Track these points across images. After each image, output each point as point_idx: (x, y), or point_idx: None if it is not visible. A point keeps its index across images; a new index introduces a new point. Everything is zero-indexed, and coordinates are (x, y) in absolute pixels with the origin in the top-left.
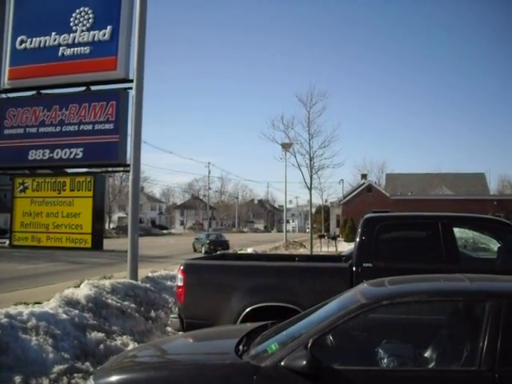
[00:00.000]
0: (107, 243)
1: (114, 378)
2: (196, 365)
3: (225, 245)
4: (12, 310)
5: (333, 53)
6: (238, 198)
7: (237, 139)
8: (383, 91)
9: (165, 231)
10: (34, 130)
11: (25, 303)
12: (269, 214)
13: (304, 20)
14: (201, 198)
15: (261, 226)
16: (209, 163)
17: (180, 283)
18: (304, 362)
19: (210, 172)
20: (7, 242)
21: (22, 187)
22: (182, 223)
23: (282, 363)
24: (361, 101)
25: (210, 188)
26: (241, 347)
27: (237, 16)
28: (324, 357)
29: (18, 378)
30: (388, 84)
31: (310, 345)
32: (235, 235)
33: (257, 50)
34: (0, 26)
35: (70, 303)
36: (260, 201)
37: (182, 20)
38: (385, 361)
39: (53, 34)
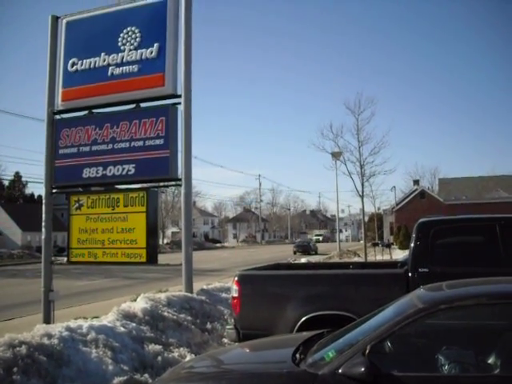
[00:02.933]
0: (162, 258)
1: None
2: (253, 374)
3: (309, 247)
4: (72, 324)
5: (383, 59)
6: (289, 209)
7: (286, 150)
8: (433, 95)
9: (218, 245)
10: (87, 148)
11: (84, 318)
12: (321, 224)
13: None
14: (253, 210)
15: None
16: (259, 176)
17: (235, 294)
18: (362, 369)
19: (260, 184)
20: (65, 259)
21: (77, 205)
22: (234, 236)
23: (340, 370)
24: (410, 105)
25: (261, 200)
26: (298, 356)
27: (282, 24)
28: (382, 363)
29: None
30: (439, 87)
31: (367, 351)
32: (288, 246)
33: (305, 60)
34: (53, 50)
35: (128, 316)
36: (312, 211)
37: (228, 28)
38: (446, 367)
39: (102, 54)
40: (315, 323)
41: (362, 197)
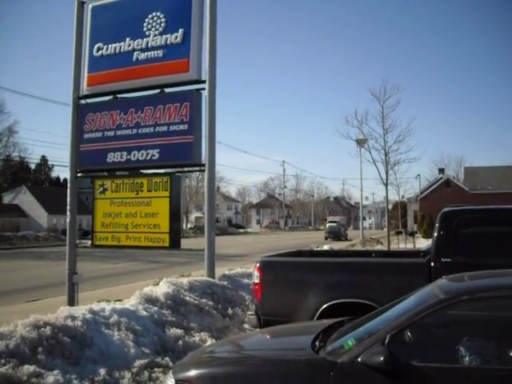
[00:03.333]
0: (185, 243)
1: (192, 373)
2: (273, 360)
3: (340, 233)
4: (95, 307)
5: (409, 45)
6: (313, 195)
7: (311, 137)
8: (460, 83)
9: (241, 230)
10: (111, 133)
11: (107, 300)
12: (345, 212)
13: (376, 13)
14: (276, 196)
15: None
16: (283, 162)
17: (256, 280)
18: (381, 358)
19: (284, 170)
20: (89, 242)
21: (101, 189)
22: (258, 222)
23: (359, 359)
24: (437, 93)
25: (285, 186)
26: (317, 343)
27: (306, 12)
28: (401, 353)
29: (102, 371)
30: (466, 76)
31: (387, 341)
32: (311, 233)
33: (331, 44)
34: (78, 35)
35: (150, 300)
36: (336, 198)
37: (253, 18)
38: (467, 359)
39: (127, 39)
40: (336, 311)
41: (386, 185)
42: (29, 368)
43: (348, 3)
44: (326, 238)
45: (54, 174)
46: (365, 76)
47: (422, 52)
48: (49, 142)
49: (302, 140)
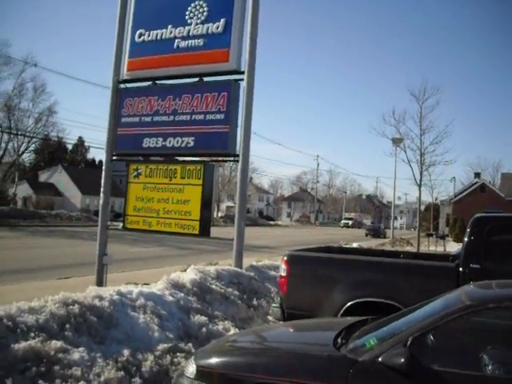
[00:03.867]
0: (215, 231)
1: (214, 360)
2: (294, 354)
3: (379, 232)
4: (123, 288)
5: (449, 47)
6: (345, 192)
7: (346, 133)
8: (502, 88)
9: (271, 222)
10: (148, 118)
11: (134, 283)
12: (376, 210)
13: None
14: (308, 190)
15: (368, 222)
16: (317, 156)
17: (283, 273)
18: (402, 360)
19: (318, 165)
20: (121, 225)
21: (136, 173)
22: (288, 215)
23: (380, 359)
24: (476, 96)
25: (318, 181)
26: (339, 340)
27: (345, 11)
28: (423, 356)
29: (126, 352)
30: (508, 80)
31: (409, 343)
32: (342, 229)
33: (369, 43)
34: (121, 21)
35: (176, 286)
36: (368, 196)
37: (294, 11)
38: (489, 367)
39: (169, 26)
40: (361, 309)
41: (419, 186)
42: (56, 343)
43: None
44: (367, 235)
45: (89, 156)
46: (404, 75)
47: (464, 53)
48: (86, 123)
49: (337, 135)
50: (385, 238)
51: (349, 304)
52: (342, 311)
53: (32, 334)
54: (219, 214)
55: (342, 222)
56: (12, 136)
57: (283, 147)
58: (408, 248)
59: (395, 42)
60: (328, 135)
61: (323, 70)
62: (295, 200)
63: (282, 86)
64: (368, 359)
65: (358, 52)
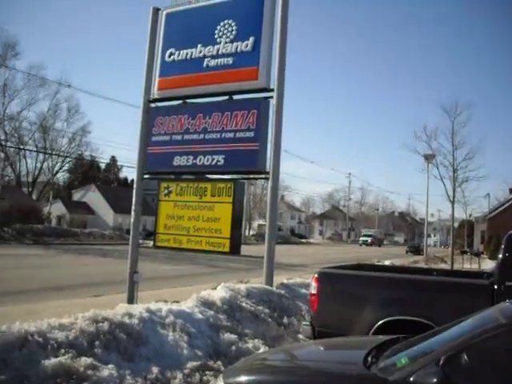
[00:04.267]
0: (247, 249)
1: (242, 378)
2: (324, 373)
3: (419, 249)
4: (152, 306)
5: (479, 61)
6: (378, 209)
7: (378, 150)
8: None
9: (303, 240)
10: (179, 137)
11: (164, 301)
12: (409, 227)
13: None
14: (340, 208)
15: (401, 239)
16: (349, 174)
17: (313, 291)
18: (434, 380)
19: (350, 182)
20: (151, 243)
21: (166, 191)
22: (320, 233)
23: (411, 378)
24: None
25: (350, 198)
26: (369, 359)
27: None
28: (456, 376)
29: (155, 369)
30: None
31: (442, 362)
32: (374, 248)
33: (405, 57)
34: (152, 41)
35: (206, 304)
36: (401, 213)
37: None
38: None
39: (199, 46)
40: (392, 328)
41: (452, 202)
42: (86, 360)
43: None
44: (407, 252)
45: (122, 175)
46: (434, 90)
47: (497, 65)
48: (119, 143)
49: (369, 152)
50: (420, 254)
51: (380, 322)
52: (373, 330)
53: (62, 351)
54: (251, 233)
55: (361, 239)
56: (47, 156)
57: (316, 165)
58: (442, 265)
59: (425, 57)
60: (360, 152)
61: (352, 85)
62: (327, 218)
63: (312, 101)
64: (399, 379)
65: (388, 65)
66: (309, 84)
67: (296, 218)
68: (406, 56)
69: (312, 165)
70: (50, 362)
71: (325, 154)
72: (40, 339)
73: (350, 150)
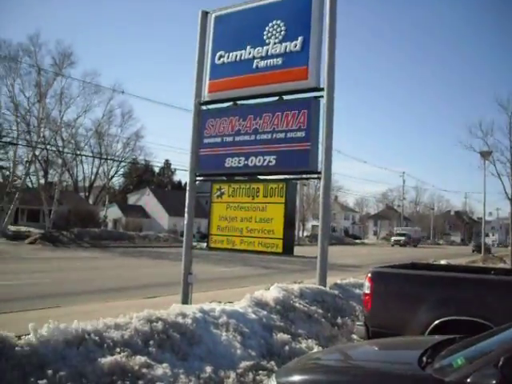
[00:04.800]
0: (300, 250)
1: (295, 378)
2: (377, 373)
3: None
4: (206, 306)
5: None
6: (433, 208)
7: (432, 147)
8: None
9: (357, 241)
10: (230, 138)
11: (218, 302)
12: (466, 227)
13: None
14: (395, 208)
15: (457, 239)
16: (403, 173)
17: (367, 291)
18: (493, 382)
19: (404, 182)
20: (205, 244)
21: (219, 193)
22: (375, 233)
23: (468, 380)
24: None
25: (404, 198)
26: (424, 359)
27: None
28: None
29: (208, 369)
30: None
31: (501, 363)
32: (430, 247)
33: (454, 53)
34: (201, 44)
35: (259, 304)
36: (457, 212)
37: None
38: None
39: (248, 47)
40: (448, 328)
41: (511, 200)
42: (140, 359)
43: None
44: (473, 251)
45: (176, 178)
46: (490, 86)
47: None
48: (172, 146)
49: (422, 150)
50: (489, 253)
51: (436, 322)
52: (429, 330)
53: (118, 349)
54: (305, 234)
55: (393, 238)
56: (102, 161)
57: (369, 165)
58: (500, 265)
59: (480, 51)
60: (413, 150)
61: (405, 82)
62: (381, 218)
63: (364, 101)
64: (455, 380)
65: (442, 61)
66: (362, 84)
67: (350, 218)
68: (460, 51)
69: (365, 165)
70: (106, 360)
71: (378, 154)
72: (96, 338)
73: (403, 149)
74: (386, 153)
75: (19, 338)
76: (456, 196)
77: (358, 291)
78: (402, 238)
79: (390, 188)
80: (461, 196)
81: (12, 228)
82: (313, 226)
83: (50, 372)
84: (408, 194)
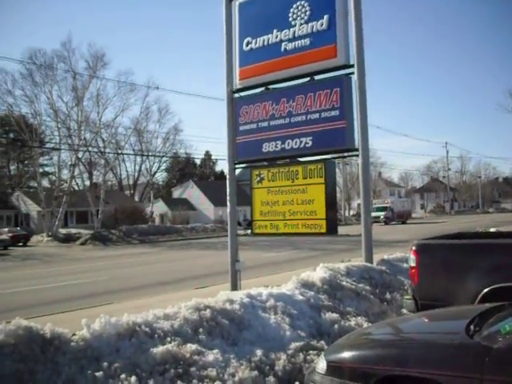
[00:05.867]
0: (347, 229)
1: (343, 354)
2: (424, 344)
3: None
4: (253, 291)
5: None
6: (480, 177)
7: (473, 115)
8: None
9: None
10: (265, 123)
11: (265, 286)
12: None
13: None
14: (440, 179)
15: (508, 206)
16: (446, 143)
17: (413, 264)
18: None
19: (448, 152)
20: (249, 231)
21: (258, 178)
22: (422, 207)
23: None
24: None
25: (449, 169)
26: (472, 327)
27: None
28: None
29: (258, 352)
30: None
31: None
32: (480, 216)
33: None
34: (228, 32)
35: (306, 285)
36: (505, 179)
37: None
38: None
39: (274, 31)
40: (498, 295)
41: None
42: (191, 346)
43: None
44: None
45: (218, 168)
46: None
47: None
48: (211, 137)
49: (464, 118)
50: None
51: (485, 291)
52: (478, 298)
53: (168, 339)
54: (350, 212)
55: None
56: (144, 158)
57: (410, 138)
58: None
59: None
60: (454, 119)
61: (441, 49)
62: (427, 191)
63: (400, 74)
64: (504, 346)
65: (479, 28)
66: (396, 57)
67: (395, 193)
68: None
69: (407, 139)
70: (158, 349)
71: (418, 127)
72: (147, 329)
73: (443, 120)
74: (427, 125)
75: (74, 334)
76: (503, 162)
77: (405, 265)
78: (382, 213)
79: (433, 160)
80: (508, 162)
81: (63, 231)
82: (358, 205)
83: (105, 364)
84: (452, 164)
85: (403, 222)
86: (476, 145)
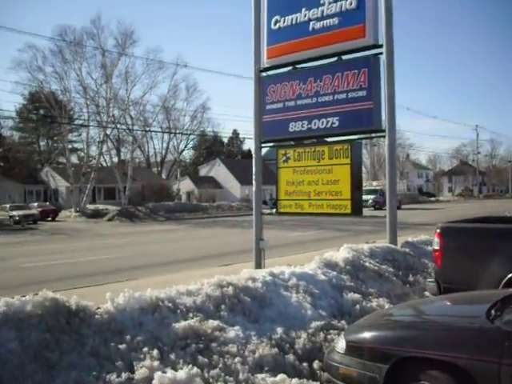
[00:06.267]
0: (373, 211)
1: (362, 335)
2: (444, 326)
3: None
4: (275, 270)
5: None
6: (510, 161)
7: (505, 97)
8: None
9: (432, 198)
10: (292, 103)
11: (288, 265)
12: None
13: None
14: (469, 163)
15: None
16: (477, 126)
17: (436, 247)
18: None
19: (478, 135)
20: (274, 210)
21: (284, 158)
22: (450, 190)
23: None
24: None
25: (478, 152)
26: (493, 312)
27: None
28: None
29: (279, 330)
30: None
31: None
32: (509, 201)
33: None
34: (257, 10)
35: (329, 265)
36: None
37: None
38: None
39: (303, 10)
40: None
41: None
42: (213, 323)
43: None
44: None
45: (245, 147)
46: None
47: None
48: (239, 115)
49: (495, 102)
50: None
51: (510, 276)
52: (502, 283)
53: (190, 315)
54: None
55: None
56: (172, 135)
57: (440, 120)
58: None
59: None
60: (486, 102)
61: (470, 30)
62: (456, 174)
63: (430, 55)
64: None
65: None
66: (427, 38)
67: (423, 176)
68: None
69: (436, 121)
70: (180, 324)
71: (449, 108)
72: (170, 304)
73: (474, 102)
74: (457, 107)
75: (98, 307)
76: None
77: (429, 248)
78: (371, 196)
79: (463, 143)
80: None
81: (90, 206)
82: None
83: (128, 337)
84: (483, 147)
85: (397, 208)
86: (508, 128)
